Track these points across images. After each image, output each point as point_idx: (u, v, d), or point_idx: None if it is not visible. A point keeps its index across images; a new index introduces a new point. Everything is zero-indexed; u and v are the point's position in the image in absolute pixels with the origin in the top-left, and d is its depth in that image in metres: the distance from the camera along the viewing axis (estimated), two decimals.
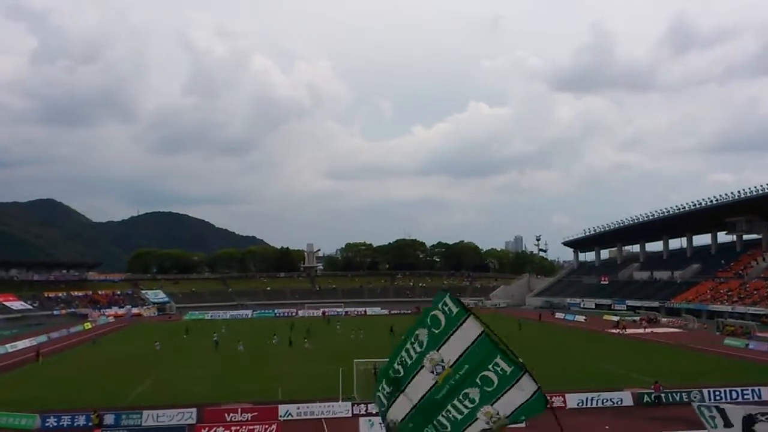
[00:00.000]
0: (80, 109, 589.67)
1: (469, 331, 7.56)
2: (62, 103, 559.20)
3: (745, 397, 36.96)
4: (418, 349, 7.78)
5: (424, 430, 7.94)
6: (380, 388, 8.25)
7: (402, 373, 7.94)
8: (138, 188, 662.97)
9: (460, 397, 7.70)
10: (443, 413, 7.83)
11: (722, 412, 7.81)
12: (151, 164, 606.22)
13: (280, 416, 33.84)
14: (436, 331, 7.67)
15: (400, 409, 8.04)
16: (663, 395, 36.94)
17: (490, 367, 7.52)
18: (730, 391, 37.47)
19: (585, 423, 31.36)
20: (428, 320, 7.76)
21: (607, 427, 30.66)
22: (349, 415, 34.32)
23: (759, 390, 37.48)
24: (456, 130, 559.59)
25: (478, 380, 7.59)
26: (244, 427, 31.33)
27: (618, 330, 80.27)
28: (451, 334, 7.60)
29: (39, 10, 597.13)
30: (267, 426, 31.37)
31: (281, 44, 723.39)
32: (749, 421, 7.72)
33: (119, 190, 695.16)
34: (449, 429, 7.82)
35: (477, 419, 7.71)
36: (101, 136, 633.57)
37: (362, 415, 33.41)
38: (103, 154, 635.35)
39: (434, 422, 7.88)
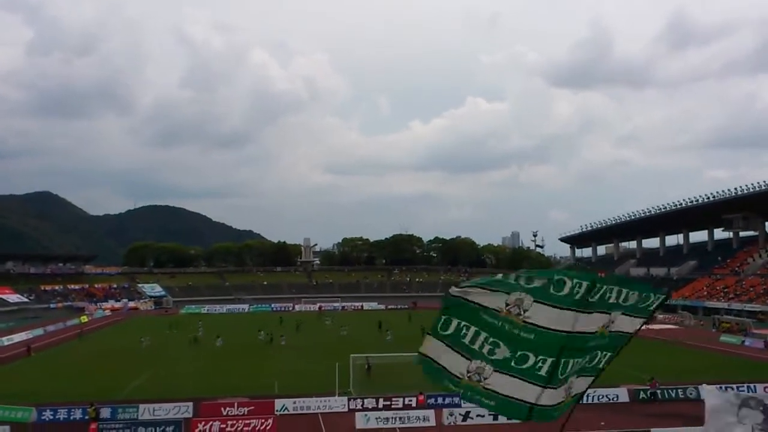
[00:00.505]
0: (76, 101, 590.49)
1: (636, 326, 7.99)
2: (58, 95, 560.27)
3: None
4: (614, 302, 7.71)
5: (541, 357, 7.73)
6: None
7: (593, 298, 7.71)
8: (134, 181, 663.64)
9: (591, 357, 8.01)
10: (576, 359, 7.88)
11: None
12: (147, 157, 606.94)
13: (277, 410, 33.85)
14: (639, 305, 7.83)
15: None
16: (659, 392, 37.03)
17: (607, 353, 8.12)
18: (726, 388, 37.46)
19: (581, 419, 31.34)
20: (644, 292, 7.84)
21: (602, 423, 30.69)
22: (346, 409, 34.34)
23: (755, 386, 37.58)
24: (454, 126, 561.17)
25: (599, 353, 8.06)
26: (240, 421, 31.29)
27: (660, 325, 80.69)
28: (635, 316, 7.90)
29: (35, 2, 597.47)
30: (263, 420, 31.35)
31: (279, 38, 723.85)
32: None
33: (116, 183, 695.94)
34: (561, 377, 7.82)
35: (565, 383, 7.97)
36: (98, 129, 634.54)
37: (358, 410, 33.48)
38: (99, 146, 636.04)
39: (561, 360, 7.75)
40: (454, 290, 7.89)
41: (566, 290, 7.43)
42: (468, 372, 7.81)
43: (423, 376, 8.14)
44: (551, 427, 8.75)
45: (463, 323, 7.80)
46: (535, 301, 7.48)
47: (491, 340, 7.72)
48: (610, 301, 7.65)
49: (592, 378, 8.09)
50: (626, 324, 7.84)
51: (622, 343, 7.95)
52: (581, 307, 7.49)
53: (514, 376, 7.74)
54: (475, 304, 7.69)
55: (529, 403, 7.85)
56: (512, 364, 7.71)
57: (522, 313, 7.51)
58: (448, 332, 7.86)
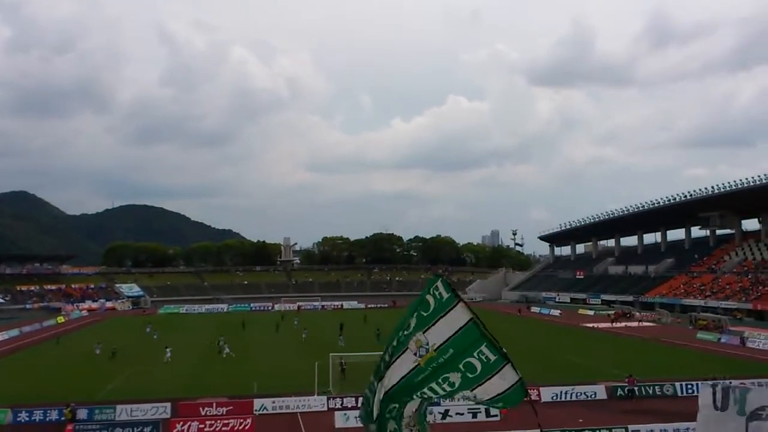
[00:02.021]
0: (54, 100, 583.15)
1: (458, 316, 7.62)
2: (36, 94, 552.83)
3: None
4: (405, 333, 7.81)
5: (389, 406, 8.02)
6: (368, 387, 8.30)
7: (388, 360, 7.93)
8: (113, 180, 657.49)
9: (440, 380, 7.79)
10: (417, 395, 7.95)
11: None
12: (126, 156, 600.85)
13: (256, 410, 33.72)
14: (425, 314, 7.71)
15: (378, 396, 8.05)
16: (636, 389, 37.29)
17: (475, 354, 7.61)
18: (702, 385, 37.81)
19: (559, 416, 31.55)
20: (417, 303, 7.83)
21: (580, 420, 30.87)
22: (325, 409, 34.27)
23: (730, 383, 37.87)
24: (435, 124, 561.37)
25: (461, 366, 7.67)
26: (219, 421, 31.13)
27: (637, 323, 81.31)
28: (440, 318, 7.65)
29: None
30: (242, 420, 31.20)
31: (261, 37, 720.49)
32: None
33: (94, 183, 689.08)
34: (440, 394, 7.94)
35: (451, 398, 8.02)
36: (76, 128, 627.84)
37: (338, 409, 33.40)
38: (77, 145, 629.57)
39: (404, 400, 8.02)
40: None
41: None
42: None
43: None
44: (526, 423, 8.75)
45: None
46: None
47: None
48: (402, 337, 7.87)
49: (497, 373, 7.72)
50: (442, 329, 7.71)
51: (474, 334, 7.66)
52: (392, 357, 7.90)
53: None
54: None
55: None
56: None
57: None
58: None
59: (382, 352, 8.10)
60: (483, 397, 7.79)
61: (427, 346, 7.71)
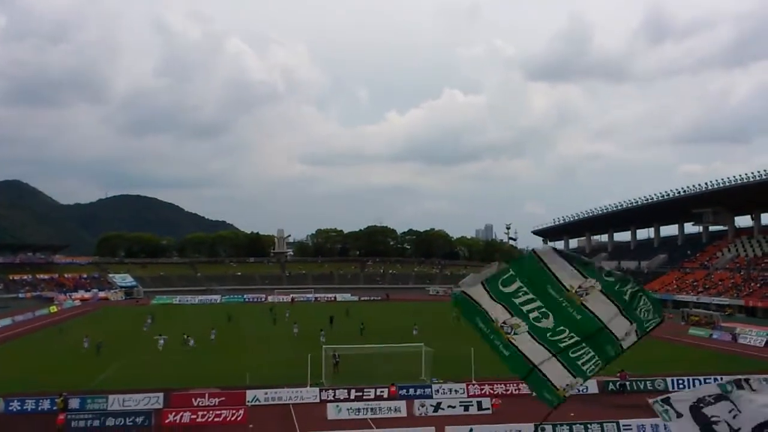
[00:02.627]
0: (49, 90, 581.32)
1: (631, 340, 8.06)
2: (31, 84, 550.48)
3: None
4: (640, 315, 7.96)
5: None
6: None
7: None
8: (107, 170, 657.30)
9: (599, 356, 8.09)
10: (591, 350, 8.11)
11: (669, 403, 7.95)
12: (120, 146, 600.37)
13: (248, 401, 33.76)
14: (641, 318, 7.93)
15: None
16: (627, 383, 37.44)
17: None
18: (693, 380, 38.13)
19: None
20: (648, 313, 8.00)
21: (572, 414, 30.94)
22: (317, 400, 34.35)
23: (722, 379, 38.01)
24: (431, 117, 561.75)
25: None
26: (211, 411, 31.12)
27: None
28: (638, 331, 8.00)
29: None
30: (234, 411, 31.21)
31: (257, 28, 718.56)
32: (697, 408, 7.87)
33: (88, 172, 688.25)
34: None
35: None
36: (70, 117, 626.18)
37: (330, 401, 33.50)
38: (71, 135, 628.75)
39: (588, 347, 8.12)
40: (538, 250, 8.09)
41: (624, 289, 7.86)
42: (503, 323, 8.07)
43: (456, 308, 8.42)
44: (519, 416, 8.80)
45: (524, 288, 8.04)
46: (600, 291, 7.84)
47: (543, 309, 8.03)
48: (637, 313, 7.94)
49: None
50: (632, 339, 8.04)
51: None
52: (623, 309, 7.88)
53: (540, 343, 8.08)
54: (550, 273, 7.94)
55: (532, 364, 8.15)
56: (548, 335, 8.06)
57: (584, 295, 7.85)
58: (505, 290, 8.07)
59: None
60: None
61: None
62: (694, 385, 37.65)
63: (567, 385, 8.16)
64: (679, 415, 7.85)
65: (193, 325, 68.53)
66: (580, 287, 7.85)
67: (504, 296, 8.07)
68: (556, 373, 8.13)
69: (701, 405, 7.93)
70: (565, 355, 8.06)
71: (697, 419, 7.64)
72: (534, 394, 8.40)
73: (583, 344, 8.00)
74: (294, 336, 61.29)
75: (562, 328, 7.98)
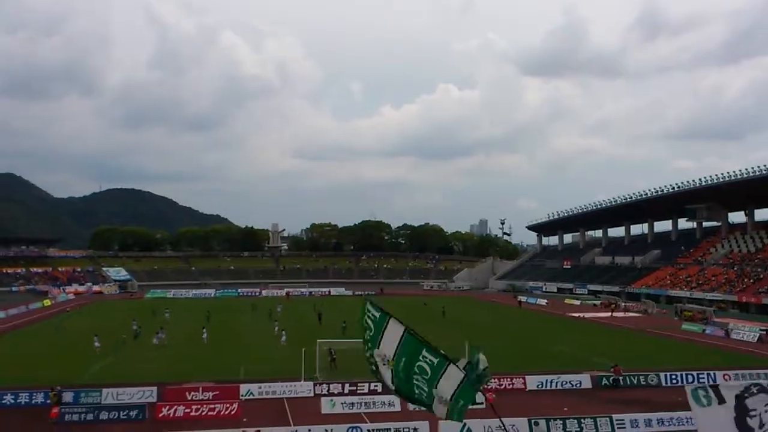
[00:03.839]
0: (41, 82, 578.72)
1: (395, 330, 8.78)
2: (22, 76, 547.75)
3: (701, 380, 37.74)
4: (369, 351, 9.27)
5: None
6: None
7: (374, 368, 9.38)
8: (100, 164, 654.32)
9: (413, 383, 8.88)
10: (412, 385, 8.98)
11: (716, 390, 8.06)
12: (113, 139, 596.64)
13: (242, 395, 33.69)
14: (370, 335, 9.06)
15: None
16: (621, 378, 37.53)
17: (420, 358, 8.66)
18: (687, 375, 38.25)
19: (544, 404, 31.75)
20: (361, 328, 9.20)
21: (566, 408, 31.05)
22: (311, 395, 34.33)
23: (714, 374, 38.30)
24: (425, 112, 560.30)
25: (416, 369, 8.72)
26: (205, 405, 31.12)
27: (609, 313, 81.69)
28: (382, 335, 8.85)
29: None
30: (228, 405, 31.21)
31: (250, 21, 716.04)
32: (741, 397, 7.99)
33: (81, 166, 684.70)
34: (425, 394, 8.95)
35: (434, 400, 8.83)
36: (63, 110, 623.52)
37: (324, 395, 33.48)
38: (65, 128, 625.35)
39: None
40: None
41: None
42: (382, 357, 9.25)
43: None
44: (513, 410, 8.91)
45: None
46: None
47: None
48: (367, 354, 9.52)
49: (443, 373, 8.65)
50: (388, 342, 8.91)
51: (413, 341, 8.74)
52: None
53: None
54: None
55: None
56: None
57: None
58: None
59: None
60: (446, 395, 8.61)
61: (385, 358, 8.89)
62: (687, 380, 37.83)
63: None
64: (722, 402, 7.94)
65: (197, 319, 68.52)
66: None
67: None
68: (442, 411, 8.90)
69: (746, 395, 8.05)
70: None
71: (738, 408, 7.74)
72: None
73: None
74: (282, 345, 53.27)
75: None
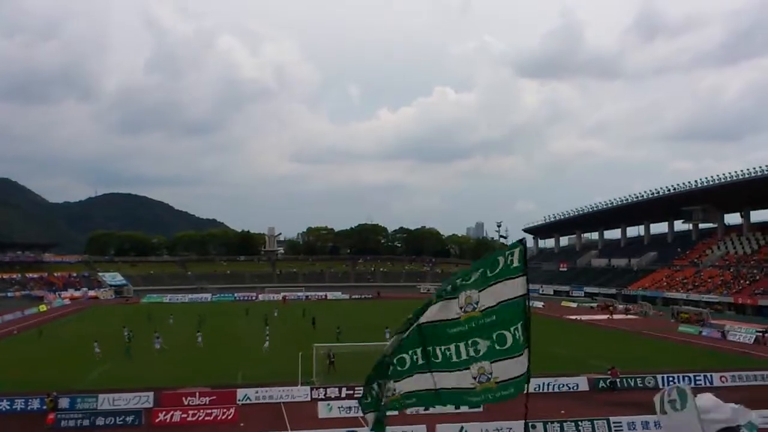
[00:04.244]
0: (38, 86, 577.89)
1: (515, 287, 7.76)
2: (19, 80, 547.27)
3: (697, 382, 37.81)
4: (462, 283, 7.97)
5: (412, 351, 8.21)
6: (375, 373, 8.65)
7: (434, 300, 8.17)
8: (96, 168, 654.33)
9: (468, 343, 7.94)
10: (442, 347, 8.08)
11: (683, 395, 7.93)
12: (110, 144, 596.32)
13: (239, 400, 33.66)
14: (489, 274, 7.83)
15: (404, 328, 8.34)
16: (618, 380, 37.53)
17: (511, 329, 7.79)
18: (683, 377, 38.28)
19: (541, 407, 31.70)
20: (487, 261, 7.97)
21: (563, 411, 31.04)
22: (308, 399, 34.28)
23: (711, 376, 38.38)
24: (422, 115, 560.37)
25: (495, 336, 7.83)
26: (201, 410, 31.05)
27: (607, 316, 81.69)
28: (498, 282, 7.78)
29: None
30: (225, 410, 31.16)
31: (247, 25, 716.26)
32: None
33: (77, 170, 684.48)
34: (438, 362, 8.13)
35: (468, 369, 8.03)
36: (60, 114, 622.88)
37: (321, 399, 33.44)
38: (61, 132, 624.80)
39: (428, 349, 8.14)
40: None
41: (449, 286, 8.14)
42: (387, 397, 8.43)
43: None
44: (512, 412, 8.82)
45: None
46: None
47: (381, 371, 8.52)
48: (458, 284, 8.01)
49: (519, 356, 7.90)
50: (498, 293, 7.82)
51: (519, 309, 7.81)
52: (441, 297, 8.07)
53: (408, 376, 8.31)
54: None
55: (432, 390, 8.32)
56: (398, 368, 8.30)
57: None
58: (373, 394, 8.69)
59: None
60: (499, 376, 7.92)
61: (475, 305, 7.84)
62: (684, 382, 37.85)
63: (469, 379, 8.13)
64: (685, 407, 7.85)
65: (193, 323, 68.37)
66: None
67: (375, 394, 8.63)
68: (449, 380, 8.22)
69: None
70: (435, 364, 8.20)
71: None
72: (455, 405, 8.58)
73: (429, 347, 8.11)
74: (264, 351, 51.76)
75: (400, 356, 8.25)
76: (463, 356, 7.98)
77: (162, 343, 53.46)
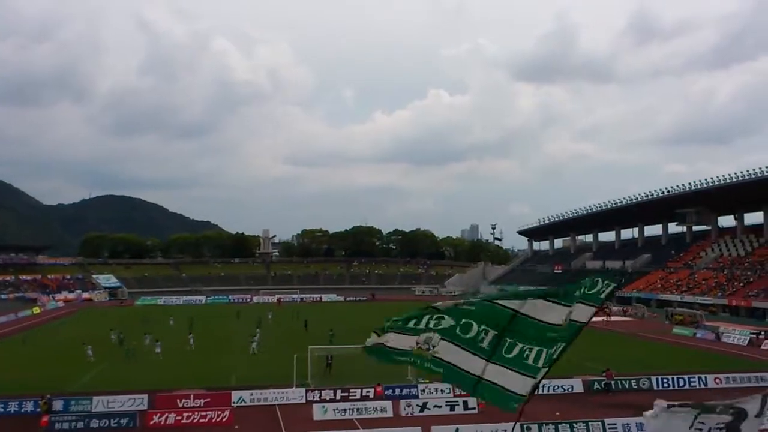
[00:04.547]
0: (32, 88, 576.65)
1: (587, 314, 7.94)
2: (13, 82, 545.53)
3: (692, 384, 37.95)
4: (576, 293, 7.97)
5: (484, 328, 8.02)
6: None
7: (394, 326, 8.23)
8: (90, 170, 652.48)
9: (552, 351, 7.97)
10: (525, 345, 8.01)
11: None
12: (104, 146, 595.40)
13: (234, 402, 33.58)
14: (588, 292, 7.91)
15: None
16: (613, 382, 37.59)
17: (563, 348, 8.00)
18: (678, 379, 38.39)
19: (536, 409, 31.70)
20: (590, 280, 8.01)
21: (557, 413, 31.06)
22: (303, 401, 34.24)
23: (705, 378, 38.48)
24: (417, 118, 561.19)
25: (558, 351, 7.99)
26: (196, 413, 30.99)
27: (603, 318, 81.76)
28: (586, 303, 7.91)
29: None
30: (220, 412, 31.09)
31: (242, 27, 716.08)
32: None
33: (71, 172, 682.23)
34: (508, 357, 7.99)
35: (534, 378, 8.00)
36: (54, 117, 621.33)
37: (316, 402, 33.41)
38: (55, 134, 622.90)
39: (505, 338, 8.01)
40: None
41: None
42: (417, 344, 8.10)
43: (373, 361, 8.60)
44: (506, 415, 8.79)
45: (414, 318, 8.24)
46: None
47: (436, 315, 8.10)
48: (572, 293, 7.95)
49: (548, 369, 8.06)
50: (582, 313, 7.90)
51: (576, 332, 7.97)
52: (551, 296, 7.99)
53: (458, 345, 8.02)
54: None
55: (475, 376, 8.05)
56: (456, 331, 8.00)
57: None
58: (400, 324, 8.26)
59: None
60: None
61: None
62: (678, 384, 37.98)
63: (530, 387, 7.99)
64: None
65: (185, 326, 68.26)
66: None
67: (399, 326, 8.24)
68: (505, 378, 8.00)
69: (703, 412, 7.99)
70: (500, 356, 7.98)
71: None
72: (489, 401, 8.31)
73: (507, 337, 7.95)
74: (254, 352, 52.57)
75: (465, 320, 7.98)
76: (541, 363, 7.95)
77: (157, 345, 53.07)
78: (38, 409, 31.68)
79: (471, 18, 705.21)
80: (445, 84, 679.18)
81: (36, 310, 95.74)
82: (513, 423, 9.18)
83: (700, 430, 7.71)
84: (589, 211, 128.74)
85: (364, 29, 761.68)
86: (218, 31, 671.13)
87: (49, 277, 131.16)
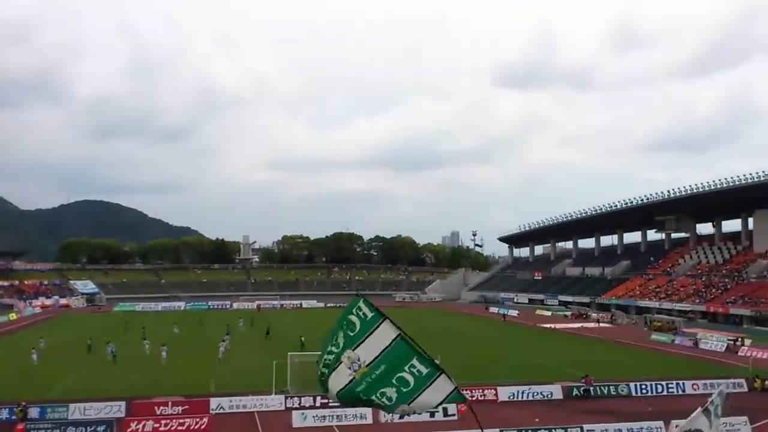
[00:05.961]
0: (7, 91, 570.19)
1: (385, 334, 7.88)
2: None
3: (670, 390, 38.19)
4: (335, 350, 8.00)
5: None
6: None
7: (327, 372, 8.10)
8: (68, 175, 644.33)
9: (378, 394, 7.98)
10: (369, 397, 8.03)
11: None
12: (83, 150, 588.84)
13: (212, 410, 33.34)
14: (351, 334, 7.93)
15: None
16: (591, 389, 37.75)
17: (406, 368, 7.91)
18: (656, 385, 38.62)
19: (515, 415, 31.81)
20: (343, 323, 8.03)
21: (537, 419, 31.13)
22: (282, 408, 34.06)
23: (683, 384, 38.72)
24: (398, 124, 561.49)
25: (395, 381, 7.93)
26: (174, 420, 30.73)
27: (594, 324, 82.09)
28: (367, 336, 7.88)
29: None
30: (198, 419, 30.87)
31: (224, 32, 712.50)
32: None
33: (48, 177, 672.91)
34: (390, 402, 8.05)
35: (406, 404, 8.05)
36: (30, 120, 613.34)
37: (295, 409, 33.22)
38: (32, 138, 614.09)
39: (367, 397, 8.05)
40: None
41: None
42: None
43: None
44: (487, 422, 8.77)
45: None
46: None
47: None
48: (334, 351, 8.04)
49: (433, 382, 8.05)
50: (373, 346, 7.92)
51: (403, 349, 7.95)
52: (331, 368, 8.07)
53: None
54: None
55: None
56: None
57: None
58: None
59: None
60: (420, 410, 8.12)
61: (358, 362, 7.92)
62: (656, 390, 38.21)
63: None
64: None
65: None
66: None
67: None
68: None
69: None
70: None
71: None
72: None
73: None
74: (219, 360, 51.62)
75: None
76: (383, 406, 8.06)
77: (163, 349, 52.21)
78: (13, 417, 31.25)
79: (454, 25, 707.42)
80: (427, 90, 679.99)
81: (12, 316, 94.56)
82: (492, 429, 9.16)
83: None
84: (569, 218, 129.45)
85: (346, 35, 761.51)
86: (200, 35, 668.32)
87: (25, 282, 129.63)
